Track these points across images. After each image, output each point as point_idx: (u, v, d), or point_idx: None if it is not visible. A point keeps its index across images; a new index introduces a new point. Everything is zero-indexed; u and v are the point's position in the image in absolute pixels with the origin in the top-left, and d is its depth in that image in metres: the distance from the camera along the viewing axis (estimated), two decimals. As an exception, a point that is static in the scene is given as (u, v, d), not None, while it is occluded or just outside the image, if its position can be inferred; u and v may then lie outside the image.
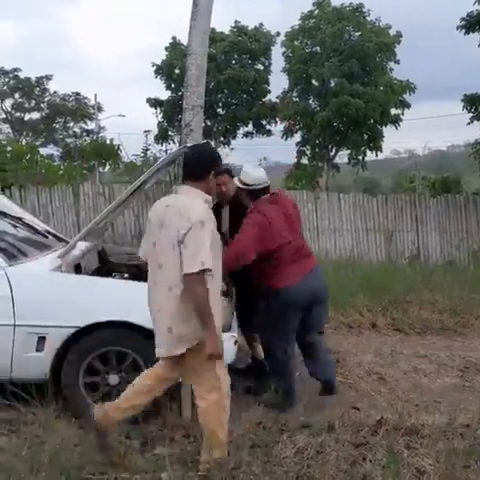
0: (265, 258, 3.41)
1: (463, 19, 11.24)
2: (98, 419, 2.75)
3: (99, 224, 4.01)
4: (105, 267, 4.35)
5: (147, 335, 3.33)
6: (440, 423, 3.16)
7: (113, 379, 3.38)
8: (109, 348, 3.37)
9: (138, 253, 2.93)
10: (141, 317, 3.33)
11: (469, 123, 11.77)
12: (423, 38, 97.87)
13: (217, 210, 3.71)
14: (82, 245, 4.11)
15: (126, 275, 3.98)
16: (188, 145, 3.44)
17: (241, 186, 3.66)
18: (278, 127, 22.21)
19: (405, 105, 19.42)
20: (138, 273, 4.19)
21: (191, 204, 2.61)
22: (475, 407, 3.48)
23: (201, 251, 2.51)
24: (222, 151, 23.46)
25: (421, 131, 76.89)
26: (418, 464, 2.70)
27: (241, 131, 23.31)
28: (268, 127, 22.96)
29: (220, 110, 22.68)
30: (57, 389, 3.31)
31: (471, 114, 11.58)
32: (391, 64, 19.83)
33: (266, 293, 3.50)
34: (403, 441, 2.91)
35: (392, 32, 19.56)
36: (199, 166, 2.74)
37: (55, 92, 33.69)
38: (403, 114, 19.59)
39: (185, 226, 2.52)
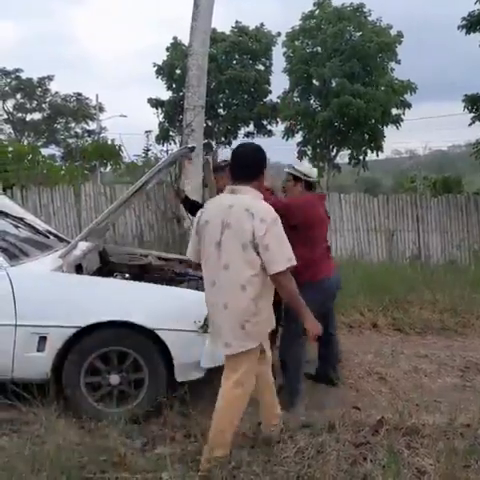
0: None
1: (464, 19, 11.21)
2: None
3: (100, 224, 4.03)
4: (106, 267, 4.36)
5: (148, 335, 3.35)
6: (440, 423, 3.16)
7: (114, 379, 3.39)
8: (110, 348, 3.38)
9: (186, 254, 2.97)
10: (142, 317, 3.35)
11: (471, 124, 11.75)
12: (424, 38, 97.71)
13: None
14: (83, 245, 4.12)
15: (127, 275, 4.00)
16: (189, 145, 3.47)
17: (302, 177, 3.93)
18: (279, 127, 22.25)
19: (406, 105, 19.40)
20: (139, 273, 4.21)
21: (258, 204, 2.67)
22: (475, 407, 3.48)
23: (285, 248, 2.61)
24: (222, 151, 23.51)
25: (422, 131, 76.82)
26: (418, 464, 2.70)
27: (242, 131, 23.36)
28: (269, 127, 22.99)
29: (221, 110, 22.69)
30: (58, 389, 3.32)
31: (472, 114, 11.55)
32: (392, 64, 19.84)
33: (308, 286, 3.36)
34: (404, 441, 2.91)
35: (393, 32, 19.56)
36: (254, 166, 2.78)
37: (56, 92, 33.81)
38: (404, 114, 19.59)
39: (261, 228, 2.56)
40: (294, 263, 2.62)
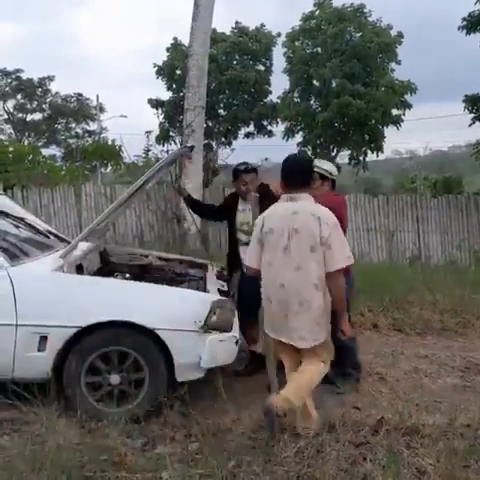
0: None
1: (464, 19, 11.21)
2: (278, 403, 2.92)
3: (100, 224, 4.03)
4: (107, 267, 4.37)
5: (148, 335, 3.36)
6: (440, 423, 3.17)
7: (114, 379, 3.39)
8: (111, 348, 3.38)
9: (246, 262, 3.21)
10: (142, 317, 3.35)
11: (471, 124, 11.74)
12: (424, 38, 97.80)
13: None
14: (84, 245, 4.13)
15: (128, 275, 4.00)
16: (189, 145, 3.50)
17: (329, 175, 4.04)
18: (279, 128, 22.23)
19: (406, 106, 19.39)
20: (139, 273, 4.22)
21: (321, 209, 2.99)
22: (475, 407, 3.49)
23: (345, 248, 2.95)
24: (222, 152, 23.51)
25: (422, 131, 76.83)
26: (418, 464, 2.71)
27: (242, 132, 23.31)
28: (269, 128, 22.95)
29: (221, 111, 22.65)
30: (59, 389, 3.32)
31: (473, 115, 11.54)
32: (392, 64, 19.82)
33: None
34: (403, 441, 2.92)
35: (393, 32, 19.56)
36: (306, 175, 3.10)
37: (57, 93, 33.79)
38: (404, 115, 19.57)
39: (326, 230, 2.89)
40: (352, 261, 2.95)
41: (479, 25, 10.99)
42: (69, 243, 4.00)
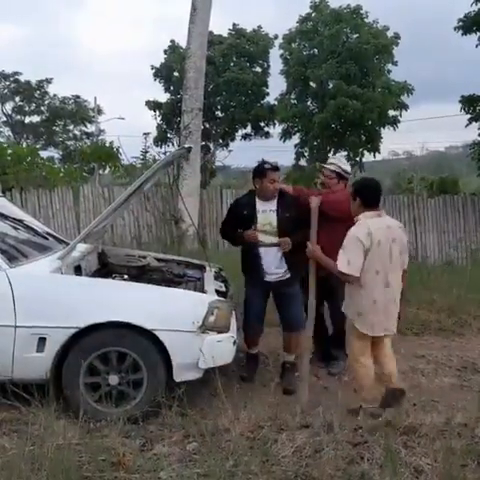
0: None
1: (460, 20, 11.22)
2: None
3: (98, 226, 4.04)
4: (105, 269, 4.38)
5: (147, 336, 3.37)
6: (438, 422, 3.18)
7: (113, 379, 3.41)
8: (109, 348, 3.40)
9: (350, 272, 3.42)
10: (141, 318, 3.37)
11: (467, 125, 11.76)
12: (421, 39, 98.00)
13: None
14: (82, 247, 4.14)
15: (126, 276, 4.01)
16: (186, 146, 3.51)
17: (346, 175, 4.46)
18: (276, 129, 22.26)
19: (403, 106, 19.44)
20: (137, 274, 4.23)
21: (398, 222, 3.79)
22: (472, 406, 3.50)
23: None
24: (220, 153, 23.52)
25: (419, 132, 76.92)
26: (416, 463, 2.70)
27: (239, 133, 23.35)
28: (266, 129, 22.99)
29: (219, 112, 22.68)
30: (58, 389, 3.33)
31: (469, 115, 11.55)
32: (389, 66, 19.86)
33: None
34: (401, 440, 2.92)
35: (389, 34, 19.60)
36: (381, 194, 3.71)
37: (55, 95, 33.72)
38: (401, 115, 19.61)
39: (405, 239, 3.66)
40: None
41: (475, 26, 11.00)
42: (67, 245, 4.01)
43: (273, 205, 4.11)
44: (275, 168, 4.12)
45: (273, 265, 4.08)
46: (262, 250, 4.07)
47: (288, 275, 4.11)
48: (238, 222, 4.19)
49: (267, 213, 4.10)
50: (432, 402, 3.88)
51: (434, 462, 2.69)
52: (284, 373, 4.29)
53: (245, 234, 4.06)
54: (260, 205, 4.12)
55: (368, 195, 3.58)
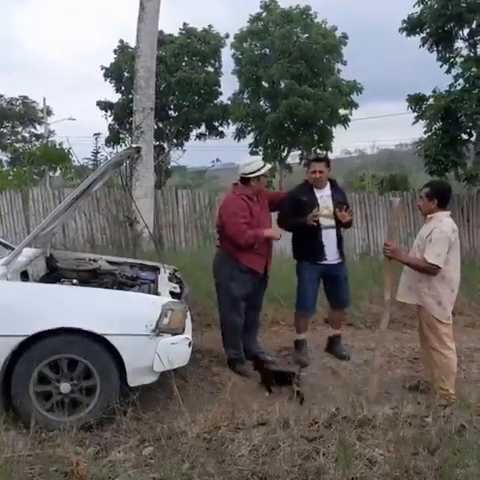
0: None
1: (404, 21, 11.50)
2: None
3: (45, 229, 3.93)
4: (53, 273, 4.26)
5: (98, 341, 3.29)
6: (390, 414, 3.25)
7: (65, 387, 3.32)
8: (59, 356, 3.31)
9: (439, 264, 3.80)
10: (91, 323, 3.28)
11: (414, 122, 12.06)
12: (369, 40, 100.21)
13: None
14: (29, 251, 4.01)
15: (75, 281, 3.91)
16: (134, 145, 3.47)
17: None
18: (230, 129, 22.29)
19: (353, 105, 19.85)
20: (88, 278, 4.13)
21: None
22: (422, 397, 3.60)
23: None
24: (175, 153, 23.35)
25: (370, 130, 78.72)
26: (369, 454, 2.75)
27: (194, 133, 23.23)
28: (220, 129, 22.97)
29: (172, 112, 22.50)
30: (7, 399, 3.22)
31: (416, 113, 11.85)
32: (338, 65, 20.26)
33: None
34: (355, 433, 2.96)
35: (338, 34, 19.97)
36: None
37: (1, 96, 32.63)
38: (351, 114, 20.03)
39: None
40: None
41: (418, 27, 11.29)
42: (13, 250, 3.88)
43: (327, 191, 4.63)
44: (317, 159, 4.69)
45: (332, 248, 4.62)
46: (323, 233, 4.53)
47: (340, 259, 4.73)
48: (298, 209, 4.53)
49: (324, 198, 4.59)
50: (385, 394, 3.97)
51: (387, 452, 2.74)
52: (333, 345, 4.92)
53: (309, 217, 4.40)
54: (317, 192, 4.61)
55: (445, 197, 4.00)
